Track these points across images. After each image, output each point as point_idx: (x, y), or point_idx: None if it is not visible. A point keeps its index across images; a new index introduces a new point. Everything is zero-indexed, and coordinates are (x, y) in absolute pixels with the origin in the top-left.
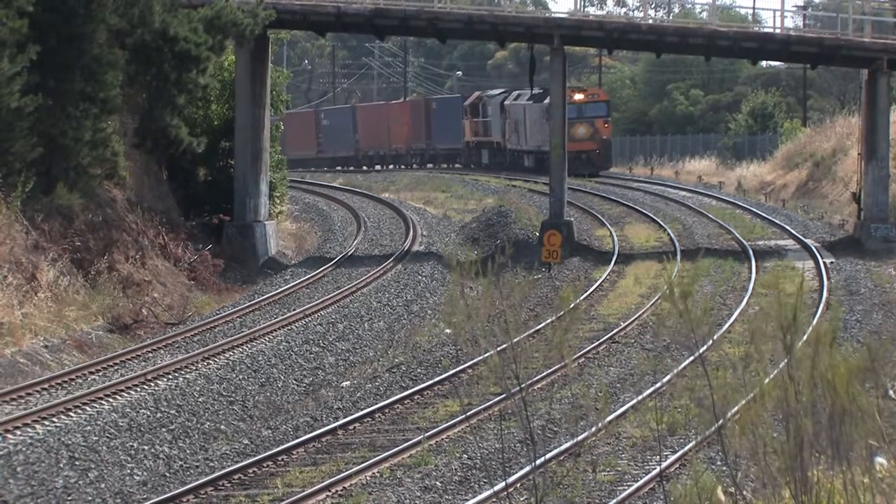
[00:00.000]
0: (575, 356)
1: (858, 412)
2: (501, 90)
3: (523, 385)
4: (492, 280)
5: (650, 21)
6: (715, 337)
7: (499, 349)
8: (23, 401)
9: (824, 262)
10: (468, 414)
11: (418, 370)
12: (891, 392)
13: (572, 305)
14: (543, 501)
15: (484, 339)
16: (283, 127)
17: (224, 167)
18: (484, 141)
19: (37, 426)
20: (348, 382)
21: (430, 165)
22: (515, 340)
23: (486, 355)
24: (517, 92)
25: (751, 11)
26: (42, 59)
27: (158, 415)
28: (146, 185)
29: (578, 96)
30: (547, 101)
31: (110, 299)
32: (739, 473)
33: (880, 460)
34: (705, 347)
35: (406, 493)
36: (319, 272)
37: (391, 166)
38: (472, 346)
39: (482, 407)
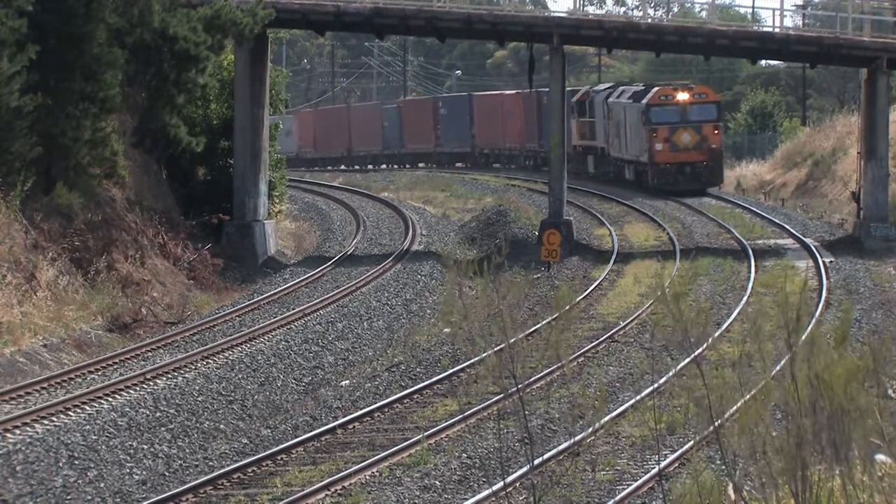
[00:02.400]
0: (574, 355)
1: (858, 411)
2: (608, 85)
3: (521, 385)
4: (489, 279)
5: (649, 20)
6: (713, 337)
7: (496, 349)
8: (22, 400)
9: (824, 262)
10: (466, 414)
11: (417, 369)
12: (890, 392)
13: (568, 307)
14: (542, 501)
15: (482, 339)
16: (399, 116)
17: (223, 166)
18: (590, 146)
19: (36, 425)
20: (347, 382)
21: (545, 169)
22: (513, 340)
23: (483, 355)
24: (622, 88)
25: (750, 10)
26: (41, 59)
27: (158, 414)
28: (145, 184)
29: (682, 96)
30: (645, 100)
31: (109, 298)
32: (738, 473)
33: (881, 457)
34: (701, 349)
35: (405, 493)
36: (319, 271)
37: (510, 166)
38: (470, 345)
39: (481, 407)
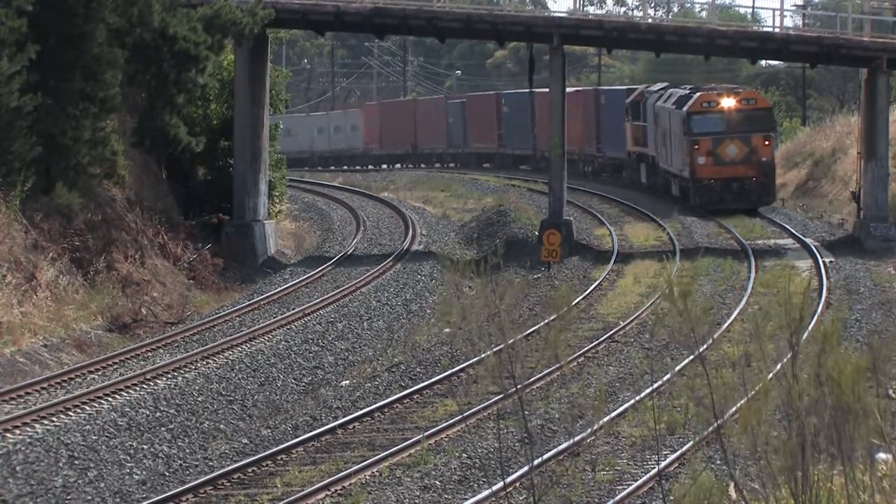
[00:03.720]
0: (574, 355)
1: (861, 411)
2: (662, 85)
3: (520, 385)
4: (487, 280)
5: (649, 20)
6: (714, 336)
7: (495, 349)
8: (22, 400)
9: (824, 262)
10: (466, 415)
11: (417, 369)
12: (891, 392)
13: (566, 308)
14: (542, 501)
15: (480, 340)
16: (463, 112)
17: (223, 166)
18: (642, 153)
19: (36, 425)
20: (347, 382)
21: (604, 175)
22: (512, 341)
23: (483, 356)
24: (671, 91)
25: (750, 10)
26: (41, 59)
27: (158, 414)
28: (145, 184)
29: (728, 102)
30: (686, 107)
31: (109, 298)
32: (738, 472)
33: (882, 456)
34: (705, 346)
35: (405, 493)
36: (319, 271)
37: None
38: (469, 346)
39: (480, 407)
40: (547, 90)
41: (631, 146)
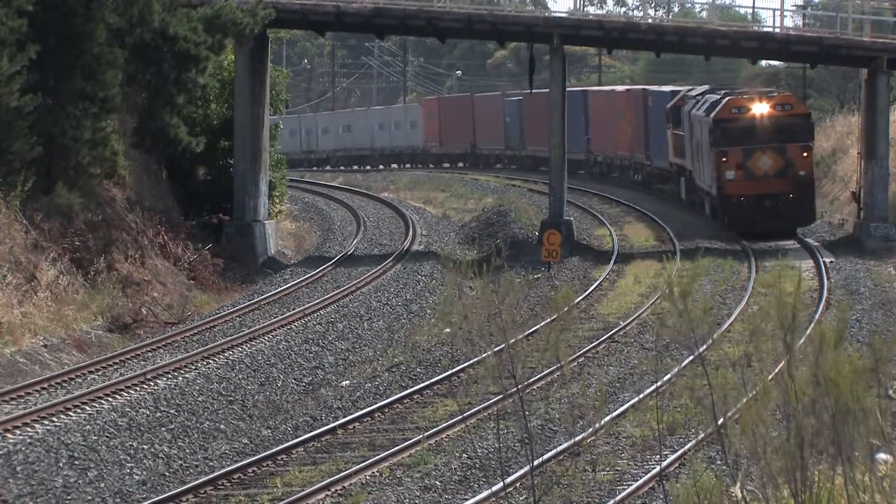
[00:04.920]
0: (574, 355)
1: (861, 411)
2: (703, 89)
3: (520, 385)
4: (488, 281)
5: (650, 20)
6: (714, 336)
7: (496, 350)
8: (22, 400)
9: (824, 262)
10: (466, 415)
11: (418, 369)
12: (891, 392)
13: (566, 308)
14: (542, 501)
15: (480, 340)
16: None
17: (223, 166)
18: (682, 166)
19: (36, 425)
20: (348, 382)
21: (660, 186)
22: (512, 341)
23: (483, 356)
24: (708, 96)
25: (750, 11)
26: (41, 59)
27: (158, 414)
28: (146, 184)
29: (760, 107)
30: (713, 113)
31: (110, 299)
32: (740, 472)
33: (882, 456)
34: (705, 347)
35: (405, 493)
36: (319, 271)
37: (620, 177)
38: (470, 346)
39: (480, 407)
40: (601, 89)
41: (672, 157)
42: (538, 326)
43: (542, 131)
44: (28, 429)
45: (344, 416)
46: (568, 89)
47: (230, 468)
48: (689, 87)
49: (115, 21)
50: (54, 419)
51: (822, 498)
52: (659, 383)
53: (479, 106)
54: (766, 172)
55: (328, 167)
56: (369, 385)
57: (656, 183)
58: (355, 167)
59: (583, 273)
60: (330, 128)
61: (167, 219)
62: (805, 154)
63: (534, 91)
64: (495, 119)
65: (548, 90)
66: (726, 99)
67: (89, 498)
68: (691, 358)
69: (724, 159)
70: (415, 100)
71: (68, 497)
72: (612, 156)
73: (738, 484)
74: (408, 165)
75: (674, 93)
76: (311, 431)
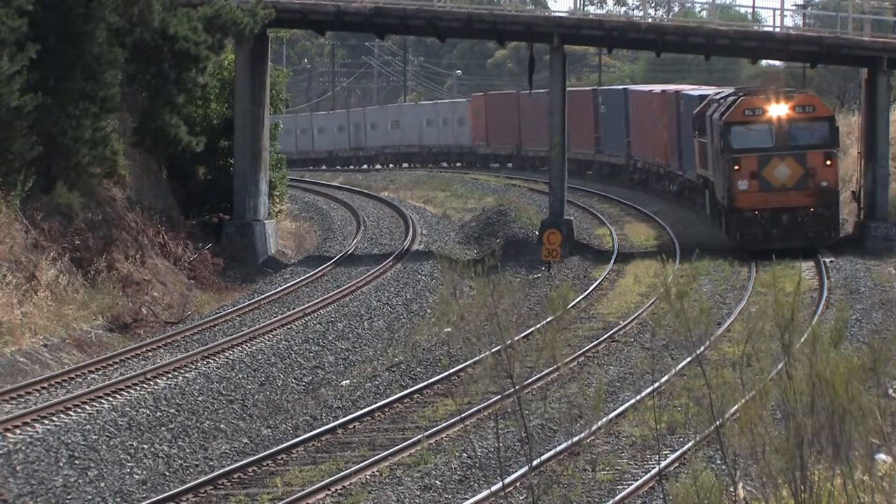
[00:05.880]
0: (574, 355)
1: (859, 411)
2: (729, 91)
3: (518, 386)
4: (485, 281)
5: (650, 20)
6: (714, 337)
7: (494, 350)
8: (22, 400)
9: (824, 261)
10: (464, 415)
11: (418, 369)
12: (891, 391)
13: (563, 310)
14: (541, 501)
15: (478, 340)
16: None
17: (224, 166)
18: (706, 177)
19: (36, 425)
20: (348, 381)
21: (700, 201)
22: (510, 342)
23: (481, 356)
24: (732, 97)
25: (750, 10)
26: (42, 58)
27: (158, 414)
28: (146, 183)
29: (777, 109)
30: (725, 116)
31: (110, 298)
32: (738, 472)
33: (881, 456)
34: (703, 348)
35: (405, 492)
36: (319, 271)
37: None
38: (467, 346)
39: (479, 407)
40: (640, 88)
41: (698, 167)
42: (538, 326)
43: (583, 132)
44: (28, 428)
45: (344, 416)
46: (609, 87)
47: (230, 468)
48: (717, 91)
49: (116, 21)
50: (54, 418)
51: (822, 498)
52: (657, 384)
53: (524, 104)
54: (784, 183)
55: (377, 166)
56: (369, 384)
57: (689, 195)
58: (405, 164)
59: (583, 272)
60: (378, 123)
61: (167, 218)
62: (828, 162)
63: (575, 89)
64: (540, 118)
65: (588, 88)
66: (740, 99)
67: (89, 497)
68: (689, 360)
69: (735, 167)
70: (462, 95)
71: (68, 496)
72: (650, 162)
73: (741, 484)
74: (458, 165)
75: (702, 96)
76: (311, 431)
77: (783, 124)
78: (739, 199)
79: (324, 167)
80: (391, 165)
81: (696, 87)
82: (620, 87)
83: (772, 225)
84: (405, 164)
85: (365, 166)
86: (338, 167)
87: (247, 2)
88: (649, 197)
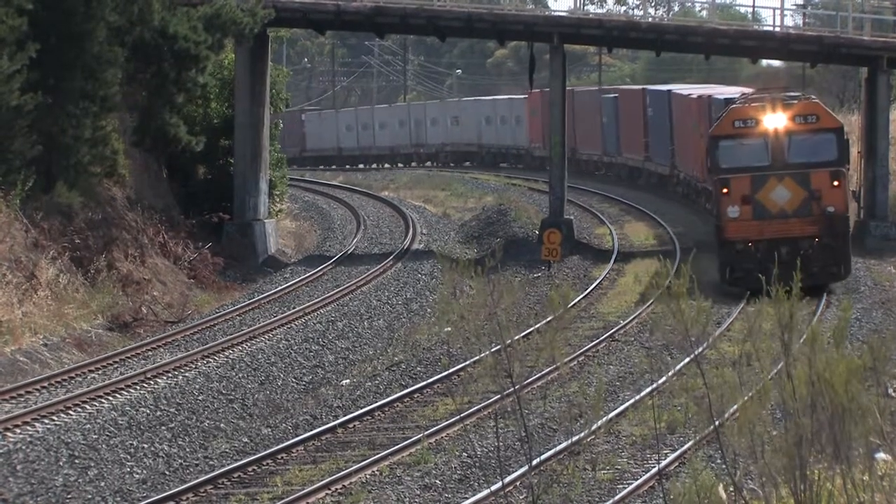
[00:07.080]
0: (574, 354)
1: (859, 410)
2: (749, 91)
3: (518, 385)
4: (484, 281)
5: (650, 19)
6: (713, 336)
7: (493, 349)
8: (22, 399)
9: None
10: (463, 415)
11: (418, 368)
12: (891, 391)
13: (563, 310)
14: (541, 500)
15: (477, 339)
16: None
17: (224, 165)
18: None
19: (36, 424)
20: (348, 381)
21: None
22: (510, 341)
23: (481, 356)
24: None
25: (750, 10)
26: (41, 57)
27: (158, 413)
28: (146, 183)
29: (774, 119)
30: (713, 128)
31: (110, 297)
32: (739, 472)
33: (881, 456)
34: (701, 349)
35: (405, 492)
36: (319, 270)
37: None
38: (467, 345)
39: (479, 407)
40: (681, 90)
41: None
42: (537, 326)
43: (634, 137)
44: (28, 427)
45: (344, 415)
46: (652, 88)
47: (230, 467)
48: (741, 93)
49: (115, 20)
50: (54, 418)
51: (822, 497)
52: (656, 384)
53: (578, 102)
54: (783, 208)
55: (437, 163)
56: (369, 384)
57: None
58: (467, 163)
59: (583, 272)
60: (438, 119)
61: (167, 218)
62: (836, 183)
63: (627, 87)
64: (594, 119)
65: (638, 88)
66: (730, 108)
67: (89, 497)
68: (687, 360)
69: (724, 190)
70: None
71: (68, 496)
72: (690, 175)
73: (721, 485)
74: (520, 166)
75: (728, 100)
76: (311, 430)
77: (781, 138)
78: (729, 229)
79: (386, 165)
80: (452, 165)
81: (725, 88)
82: (664, 87)
83: (768, 259)
84: (466, 163)
85: (428, 163)
86: (399, 164)
87: (246, 1)
88: (689, 212)
